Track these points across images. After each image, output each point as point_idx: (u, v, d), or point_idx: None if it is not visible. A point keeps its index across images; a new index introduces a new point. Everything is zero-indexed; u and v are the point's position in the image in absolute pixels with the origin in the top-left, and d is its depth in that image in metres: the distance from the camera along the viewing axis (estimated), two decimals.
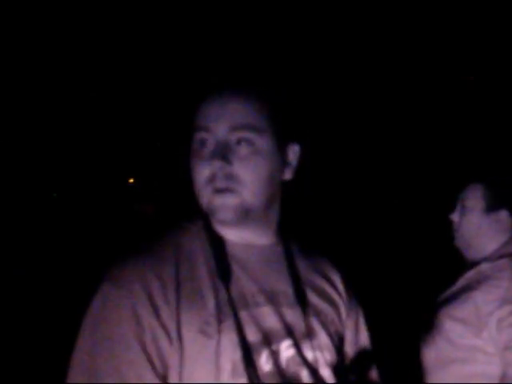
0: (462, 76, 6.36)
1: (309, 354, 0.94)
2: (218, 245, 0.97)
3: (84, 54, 5.77)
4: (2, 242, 5.86)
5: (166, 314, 0.86)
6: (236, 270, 0.94)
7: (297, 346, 0.92)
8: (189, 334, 0.85)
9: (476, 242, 1.52)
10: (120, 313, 0.84)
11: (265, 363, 0.88)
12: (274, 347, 0.90)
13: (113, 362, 0.83)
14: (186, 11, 5.33)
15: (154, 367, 0.83)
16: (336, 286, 1.08)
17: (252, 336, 0.89)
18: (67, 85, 6.27)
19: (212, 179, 0.93)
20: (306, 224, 6.92)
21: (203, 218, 0.99)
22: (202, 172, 0.94)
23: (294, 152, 1.00)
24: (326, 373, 0.94)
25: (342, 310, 1.05)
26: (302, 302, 0.97)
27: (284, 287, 0.96)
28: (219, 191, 0.93)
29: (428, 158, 6.81)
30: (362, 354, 1.05)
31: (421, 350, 1.51)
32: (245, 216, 0.95)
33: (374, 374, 1.04)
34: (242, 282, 0.93)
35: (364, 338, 1.06)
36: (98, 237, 6.62)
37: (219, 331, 0.86)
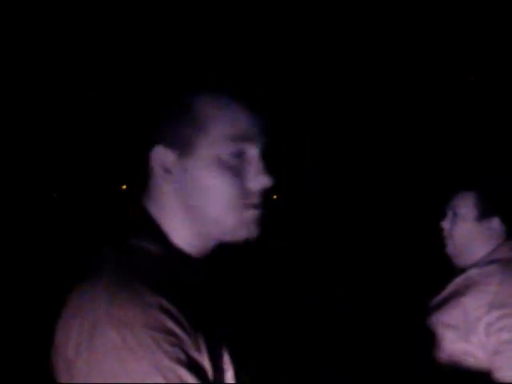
0: (462, 76, 6.36)
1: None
2: (188, 273, 0.86)
3: (84, 55, 5.77)
4: (2, 242, 5.86)
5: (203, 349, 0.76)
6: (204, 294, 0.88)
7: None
8: (215, 372, 0.78)
9: (467, 250, 1.52)
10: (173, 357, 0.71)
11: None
12: (228, 367, 0.86)
13: None
14: (187, 12, 5.33)
15: None
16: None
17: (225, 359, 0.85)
18: (67, 85, 6.27)
19: (245, 195, 0.86)
20: (305, 221, 6.92)
21: (148, 233, 0.87)
22: (236, 187, 0.85)
23: None
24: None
25: None
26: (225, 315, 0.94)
27: (214, 302, 0.92)
28: (254, 206, 0.87)
29: (427, 157, 6.81)
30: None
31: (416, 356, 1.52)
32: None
33: None
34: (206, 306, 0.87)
35: None
36: (98, 237, 6.62)
37: (224, 376, 0.81)
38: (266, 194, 0.87)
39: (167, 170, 0.87)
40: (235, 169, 0.86)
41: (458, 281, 1.48)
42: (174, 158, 0.87)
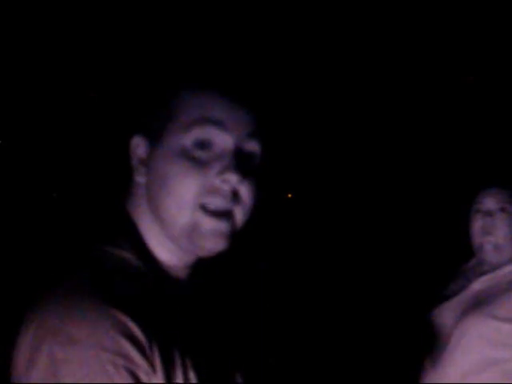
0: (461, 76, 6.35)
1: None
2: (161, 285, 0.76)
3: (84, 54, 5.77)
4: (2, 242, 5.85)
5: (160, 375, 0.69)
6: (175, 304, 0.78)
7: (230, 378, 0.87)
8: None
9: (508, 246, 1.56)
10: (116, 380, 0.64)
11: None
12: None
13: None
14: (186, 12, 5.33)
15: None
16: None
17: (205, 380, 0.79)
18: (67, 85, 6.27)
19: (209, 192, 0.73)
20: (305, 224, 6.91)
21: (129, 237, 0.77)
22: (196, 182, 0.72)
23: None
24: None
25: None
26: (218, 328, 0.87)
27: (204, 313, 0.86)
28: (216, 213, 0.73)
29: (427, 159, 6.80)
30: None
31: (447, 357, 1.51)
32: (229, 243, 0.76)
33: None
34: (185, 318, 0.79)
35: None
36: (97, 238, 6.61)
37: None
38: (238, 195, 0.75)
39: (142, 162, 0.78)
40: (199, 161, 0.73)
41: (497, 276, 1.50)
42: (148, 148, 0.78)
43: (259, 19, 5.23)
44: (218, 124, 0.72)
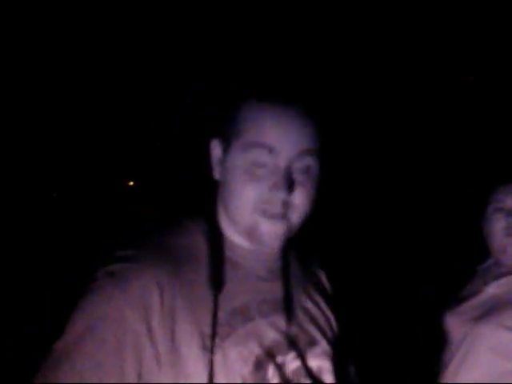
0: (461, 76, 6.35)
1: (313, 363, 0.92)
2: (218, 252, 0.91)
3: (83, 54, 5.76)
4: (1, 242, 5.85)
5: (162, 330, 0.79)
6: (237, 278, 0.89)
7: (301, 357, 0.90)
8: (189, 350, 0.80)
9: None
10: (119, 325, 0.80)
11: (272, 377, 0.85)
12: (279, 360, 0.87)
13: (101, 368, 0.78)
14: (193, 12, 5.33)
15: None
16: (327, 294, 1.07)
17: (257, 350, 0.85)
18: (67, 85, 6.27)
19: (264, 202, 0.88)
20: (306, 226, 6.90)
21: (206, 215, 0.95)
22: (254, 193, 0.87)
23: None
24: (329, 379, 0.92)
25: (332, 316, 1.04)
26: (293, 309, 0.93)
27: (281, 295, 0.93)
28: (271, 216, 0.88)
29: (427, 159, 6.80)
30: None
31: (455, 366, 1.43)
32: (287, 239, 0.91)
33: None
34: (244, 293, 0.89)
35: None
36: (97, 237, 6.62)
37: (223, 347, 0.81)
38: (291, 207, 0.89)
39: (219, 162, 0.95)
40: (256, 176, 0.87)
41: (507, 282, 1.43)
42: (221, 153, 0.94)
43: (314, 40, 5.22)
44: (271, 149, 0.87)
